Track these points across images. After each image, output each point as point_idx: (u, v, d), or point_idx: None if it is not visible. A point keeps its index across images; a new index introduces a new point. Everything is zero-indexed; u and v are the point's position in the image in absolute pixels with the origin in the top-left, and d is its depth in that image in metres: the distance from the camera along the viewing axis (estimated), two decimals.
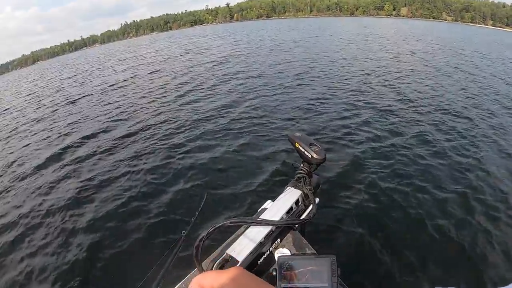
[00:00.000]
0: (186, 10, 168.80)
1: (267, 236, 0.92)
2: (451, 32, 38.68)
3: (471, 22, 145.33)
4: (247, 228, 0.93)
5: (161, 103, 7.77)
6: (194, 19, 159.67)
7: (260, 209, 1.08)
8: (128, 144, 5.29)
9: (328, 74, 9.71)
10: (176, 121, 6.15)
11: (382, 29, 37.39)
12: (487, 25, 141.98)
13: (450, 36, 31.05)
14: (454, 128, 5.50)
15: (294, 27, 38.97)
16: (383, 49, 16.37)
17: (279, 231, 0.97)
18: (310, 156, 1.08)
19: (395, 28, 40.77)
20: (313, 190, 1.11)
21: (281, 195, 1.10)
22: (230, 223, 0.72)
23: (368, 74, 9.82)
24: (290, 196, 1.09)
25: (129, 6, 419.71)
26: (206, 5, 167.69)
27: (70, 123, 7.42)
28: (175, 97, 8.22)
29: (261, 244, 0.90)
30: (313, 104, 6.67)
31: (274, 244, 0.95)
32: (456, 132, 5.34)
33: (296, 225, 1.04)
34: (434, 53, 15.45)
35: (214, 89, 8.45)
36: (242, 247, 0.87)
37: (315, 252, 0.97)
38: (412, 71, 10.43)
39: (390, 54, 14.56)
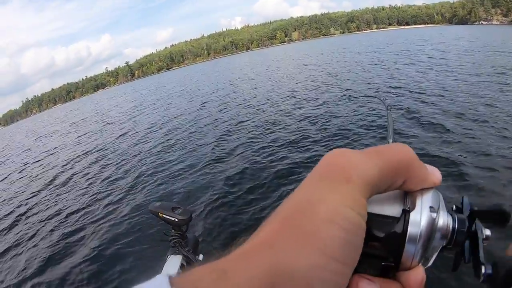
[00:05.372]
0: (86, 76, 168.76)
1: None
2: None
3: (357, 31, 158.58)
4: None
5: None
6: (96, 84, 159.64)
7: None
8: None
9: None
10: None
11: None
12: (372, 29, 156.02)
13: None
14: None
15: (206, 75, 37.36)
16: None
17: None
18: (176, 220, 1.16)
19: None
20: (192, 250, 1.18)
21: (164, 267, 1.17)
22: None
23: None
24: (172, 264, 1.13)
25: (26, 81, 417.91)
26: (106, 67, 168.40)
27: None
28: None
29: None
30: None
31: None
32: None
33: None
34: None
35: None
36: None
37: None
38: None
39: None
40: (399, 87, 9.53)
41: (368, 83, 11.29)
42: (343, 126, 6.57)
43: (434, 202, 0.26)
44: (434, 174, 0.28)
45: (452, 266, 0.28)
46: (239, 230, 3.63)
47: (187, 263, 1.13)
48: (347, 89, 10.38)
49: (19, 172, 11.00)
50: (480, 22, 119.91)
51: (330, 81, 13.12)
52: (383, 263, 0.26)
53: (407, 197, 0.27)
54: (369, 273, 0.26)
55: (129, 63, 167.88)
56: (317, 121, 7.27)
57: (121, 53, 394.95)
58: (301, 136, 6.40)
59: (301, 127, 7.08)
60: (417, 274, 0.26)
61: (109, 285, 3.34)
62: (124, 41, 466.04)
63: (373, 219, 0.26)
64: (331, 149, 0.25)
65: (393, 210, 0.26)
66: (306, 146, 5.83)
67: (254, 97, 12.81)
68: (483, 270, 0.25)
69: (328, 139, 5.92)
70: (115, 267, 3.61)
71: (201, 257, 1.22)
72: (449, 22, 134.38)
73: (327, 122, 7.05)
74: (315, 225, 0.21)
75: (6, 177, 10.98)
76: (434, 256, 0.27)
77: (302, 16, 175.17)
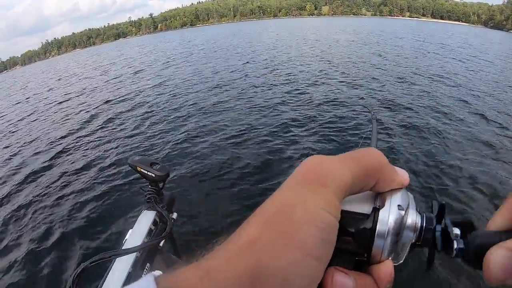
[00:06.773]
0: (108, 24, 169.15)
1: (134, 265, 0.98)
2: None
3: (389, 15, 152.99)
4: (112, 263, 0.97)
5: None
6: (118, 32, 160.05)
7: (124, 241, 1.12)
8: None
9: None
10: None
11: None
12: (404, 16, 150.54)
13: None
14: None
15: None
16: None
17: (144, 256, 1.03)
18: (153, 175, 1.17)
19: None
20: (166, 207, 1.21)
21: (136, 221, 1.18)
22: (90, 263, 0.76)
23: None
24: (145, 219, 1.16)
25: (47, 23, 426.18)
26: (129, 17, 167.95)
27: None
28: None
29: (130, 275, 0.94)
30: None
31: (145, 269, 1.01)
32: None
33: (161, 245, 1.15)
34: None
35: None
36: (112, 284, 0.90)
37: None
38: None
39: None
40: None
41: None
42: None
43: (403, 201, 0.29)
44: (403, 175, 0.30)
45: (426, 265, 0.29)
46: (217, 196, 3.80)
47: (160, 220, 1.16)
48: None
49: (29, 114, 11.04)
50: None
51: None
52: (356, 258, 0.29)
53: (378, 196, 0.30)
54: (344, 266, 0.28)
55: (153, 15, 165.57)
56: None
57: (146, 4, 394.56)
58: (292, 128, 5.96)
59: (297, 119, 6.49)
60: (387, 267, 0.28)
61: (81, 233, 3.47)
62: None
63: (346, 216, 0.28)
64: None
65: (365, 208, 0.29)
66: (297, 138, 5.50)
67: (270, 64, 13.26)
68: (455, 245, 0.27)
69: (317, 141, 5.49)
70: (89, 216, 3.74)
71: (175, 215, 1.26)
72: (484, 24, 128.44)
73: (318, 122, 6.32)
74: (294, 227, 0.24)
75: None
76: (405, 253, 0.29)
77: None
